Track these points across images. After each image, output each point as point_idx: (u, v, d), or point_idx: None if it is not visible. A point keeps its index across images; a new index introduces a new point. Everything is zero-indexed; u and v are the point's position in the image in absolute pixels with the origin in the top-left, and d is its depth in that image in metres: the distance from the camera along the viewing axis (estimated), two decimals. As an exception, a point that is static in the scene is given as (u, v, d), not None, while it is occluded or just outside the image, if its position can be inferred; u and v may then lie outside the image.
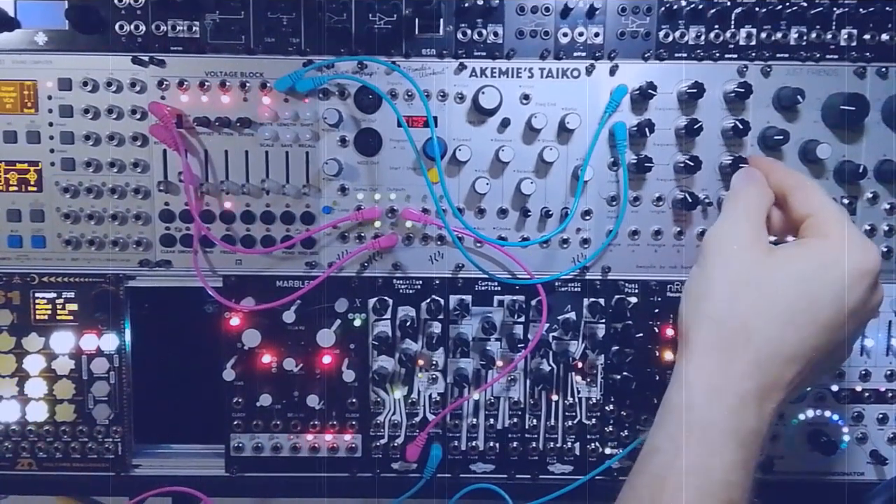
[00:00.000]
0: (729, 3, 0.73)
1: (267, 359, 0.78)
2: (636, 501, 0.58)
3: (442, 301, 0.78)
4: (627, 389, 0.77)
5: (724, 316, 0.59)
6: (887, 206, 0.75)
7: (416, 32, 0.74)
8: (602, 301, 0.78)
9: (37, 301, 0.78)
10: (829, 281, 0.57)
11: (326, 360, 0.78)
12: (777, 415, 0.59)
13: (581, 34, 0.74)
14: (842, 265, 0.58)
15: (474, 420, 0.80)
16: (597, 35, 0.74)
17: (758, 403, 0.56)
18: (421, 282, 0.78)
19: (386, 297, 0.78)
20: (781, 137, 0.72)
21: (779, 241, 0.64)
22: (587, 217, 0.76)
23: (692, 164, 0.73)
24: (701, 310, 0.61)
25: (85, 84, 0.74)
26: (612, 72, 0.74)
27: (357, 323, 0.78)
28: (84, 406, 0.79)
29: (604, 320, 0.78)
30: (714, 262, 0.62)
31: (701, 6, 0.73)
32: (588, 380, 0.79)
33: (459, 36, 0.74)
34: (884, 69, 0.74)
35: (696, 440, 0.56)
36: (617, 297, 0.78)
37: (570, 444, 0.80)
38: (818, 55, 0.74)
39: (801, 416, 0.79)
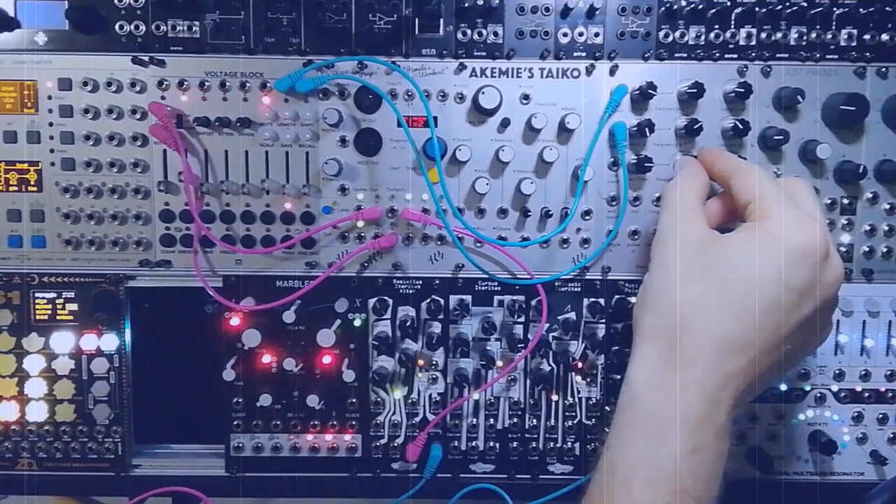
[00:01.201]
0: (729, 3, 0.73)
1: (267, 359, 0.78)
2: (592, 500, 0.58)
3: (442, 301, 0.78)
4: (627, 389, 0.77)
5: (664, 307, 0.60)
6: (887, 206, 0.75)
7: (416, 32, 0.74)
8: (602, 301, 0.78)
9: (37, 301, 0.78)
10: (769, 263, 0.57)
11: (326, 360, 0.78)
12: (739, 404, 0.58)
13: (581, 34, 0.74)
14: (779, 247, 0.57)
15: (474, 420, 0.80)
16: (597, 35, 0.74)
17: (708, 391, 0.56)
18: (421, 282, 0.78)
19: (386, 297, 0.78)
20: (781, 137, 0.72)
21: (728, 229, 0.63)
22: (587, 217, 0.76)
23: (692, 164, 0.73)
24: (645, 305, 0.62)
25: (85, 84, 0.74)
26: (612, 72, 0.74)
27: (357, 323, 0.78)
28: (84, 406, 0.79)
29: (604, 320, 0.78)
30: (656, 261, 0.63)
31: (701, 6, 0.73)
32: (588, 380, 0.79)
33: (459, 36, 0.74)
34: (884, 69, 0.74)
35: (642, 430, 0.56)
36: (617, 297, 0.78)
37: (570, 444, 0.80)
38: (818, 55, 0.74)
39: (801, 416, 0.79)
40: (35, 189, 0.76)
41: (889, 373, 0.78)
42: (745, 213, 0.62)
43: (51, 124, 0.75)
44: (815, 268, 0.57)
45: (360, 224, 0.76)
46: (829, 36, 0.74)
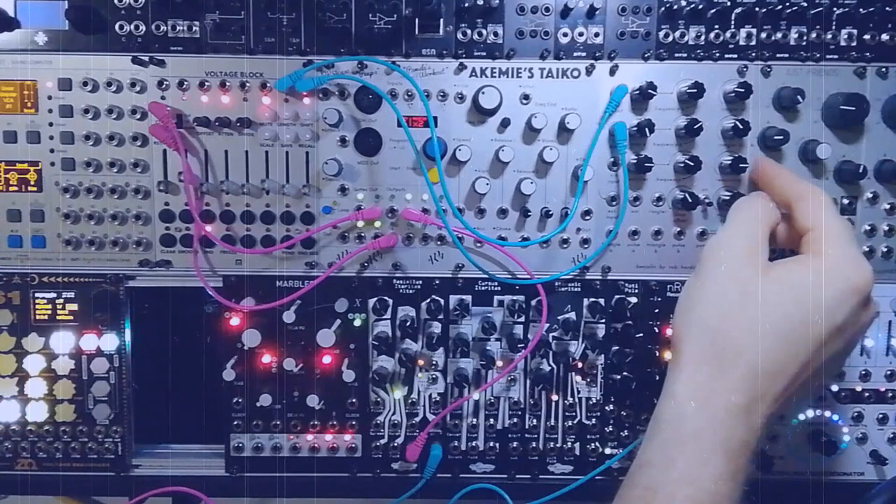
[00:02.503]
0: (729, 3, 0.73)
1: (267, 359, 0.78)
2: None
3: (442, 301, 0.78)
4: (627, 389, 0.77)
5: (715, 329, 0.60)
6: (887, 206, 0.75)
7: (416, 32, 0.74)
8: (602, 301, 0.78)
9: (37, 301, 0.78)
10: (820, 297, 0.58)
11: (326, 360, 0.78)
12: (766, 427, 0.59)
13: (581, 34, 0.74)
14: (834, 282, 0.58)
15: (474, 420, 0.80)
16: (597, 35, 0.74)
17: (747, 416, 0.57)
18: (421, 282, 0.78)
19: (386, 297, 0.78)
20: (781, 137, 0.72)
21: (779, 253, 0.64)
22: (587, 217, 0.76)
23: (692, 164, 0.73)
24: (693, 321, 0.61)
25: (85, 84, 0.74)
26: (612, 72, 0.74)
27: (357, 323, 0.78)
28: (84, 406, 0.79)
29: (604, 320, 0.78)
30: (709, 274, 0.62)
31: (701, 6, 0.73)
32: (588, 380, 0.79)
33: (459, 36, 0.74)
34: (884, 69, 0.74)
35: (686, 451, 0.56)
36: (617, 297, 0.78)
37: (570, 444, 0.80)
38: (818, 55, 0.74)
39: (801, 416, 0.79)
40: (35, 189, 0.76)
41: (889, 373, 0.78)
42: (801, 239, 0.63)
43: (51, 124, 0.75)
44: (860, 307, 0.59)
45: (361, 224, 0.76)
46: (829, 36, 0.74)
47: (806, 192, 0.64)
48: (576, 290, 0.78)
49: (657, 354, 0.78)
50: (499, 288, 0.78)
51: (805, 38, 0.74)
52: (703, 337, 0.60)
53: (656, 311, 0.78)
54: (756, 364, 0.57)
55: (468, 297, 0.78)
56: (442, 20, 0.74)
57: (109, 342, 0.78)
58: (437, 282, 0.78)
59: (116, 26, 0.74)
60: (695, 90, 0.72)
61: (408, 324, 0.76)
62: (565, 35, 0.74)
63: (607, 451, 0.80)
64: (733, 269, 0.61)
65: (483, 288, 0.78)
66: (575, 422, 0.80)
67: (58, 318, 0.78)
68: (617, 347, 0.78)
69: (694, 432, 0.57)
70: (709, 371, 0.58)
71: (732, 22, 0.74)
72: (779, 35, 0.74)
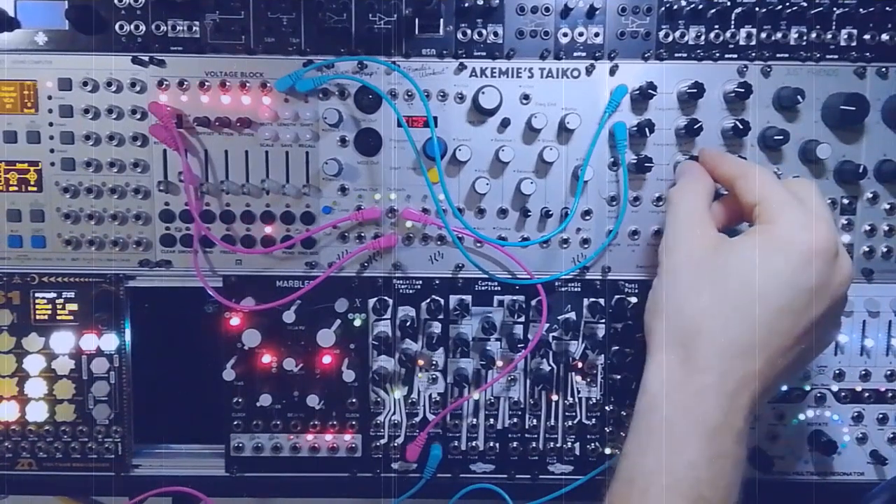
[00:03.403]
0: (729, 3, 0.73)
1: (267, 359, 0.78)
2: None
3: (442, 301, 0.78)
4: (627, 389, 0.77)
5: (676, 314, 0.60)
6: (887, 206, 0.75)
7: (416, 32, 0.74)
8: (602, 301, 0.78)
9: (37, 301, 0.78)
10: (778, 265, 0.57)
11: (326, 360, 0.78)
12: (756, 407, 0.58)
13: (581, 34, 0.74)
14: (791, 248, 0.57)
15: (474, 420, 0.80)
16: (597, 35, 0.74)
17: (725, 397, 0.56)
18: (421, 282, 0.78)
19: (386, 297, 0.78)
20: (781, 137, 0.72)
21: (734, 231, 0.63)
22: (587, 217, 0.76)
23: (692, 164, 0.73)
24: (657, 312, 0.62)
25: (85, 84, 0.74)
26: (612, 72, 0.74)
27: (357, 323, 0.78)
28: (84, 406, 0.79)
29: (604, 320, 0.78)
30: (665, 267, 0.63)
31: (701, 6, 0.73)
32: (588, 380, 0.79)
33: (459, 36, 0.74)
34: (884, 69, 0.74)
35: (658, 440, 0.56)
36: (617, 297, 0.78)
37: (570, 444, 0.80)
38: (818, 55, 0.74)
39: (801, 416, 0.79)
40: (35, 189, 0.76)
41: (889, 373, 0.78)
42: (751, 215, 0.62)
43: (51, 124, 0.75)
44: (825, 268, 0.57)
45: (360, 224, 0.76)
46: (829, 36, 0.74)
47: (746, 169, 0.64)
48: (576, 290, 0.78)
49: (657, 354, 0.78)
50: (499, 288, 0.78)
51: (805, 38, 0.74)
52: (667, 325, 0.60)
53: (656, 311, 0.78)
54: (719, 342, 0.56)
55: (468, 297, 0.78)
56: (442, 20, 0.74)
57: (109, 342, 0.78)
58: (437, 282, 0.78)
59: (116, 26, 0.74)
60: (695, 90, 0.72)
61: (408, 324, 0.76)
62: (565, 35, 0.74)
63: (607, 451, 0.80)
64: (686, 256, 0.61)
65: (483, 288, 0.78)
66: (575, 422, 0.80)
67: (58, 318, 0.78)
68: (617, 347, 0.78)
69: (666, 420, 0.57)
70: (675, 356, 0.58)
71: (732, 22, 0.74)
72: (779, 35, 0.74)
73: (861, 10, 0.73)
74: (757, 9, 0.73)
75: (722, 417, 0.55)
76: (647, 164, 0.73)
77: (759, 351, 0.56)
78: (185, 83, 0.74)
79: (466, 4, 0.73)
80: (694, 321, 0.58)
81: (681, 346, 0.58)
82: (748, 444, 0.58)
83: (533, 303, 0.78)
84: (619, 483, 0.58)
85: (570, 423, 0.80)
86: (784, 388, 0.78)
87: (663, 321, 0.61)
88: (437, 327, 0.78)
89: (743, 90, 0.72)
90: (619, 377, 0.78)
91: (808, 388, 0.78)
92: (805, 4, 0.73)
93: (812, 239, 0.57)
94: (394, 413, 0.80)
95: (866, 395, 0.78)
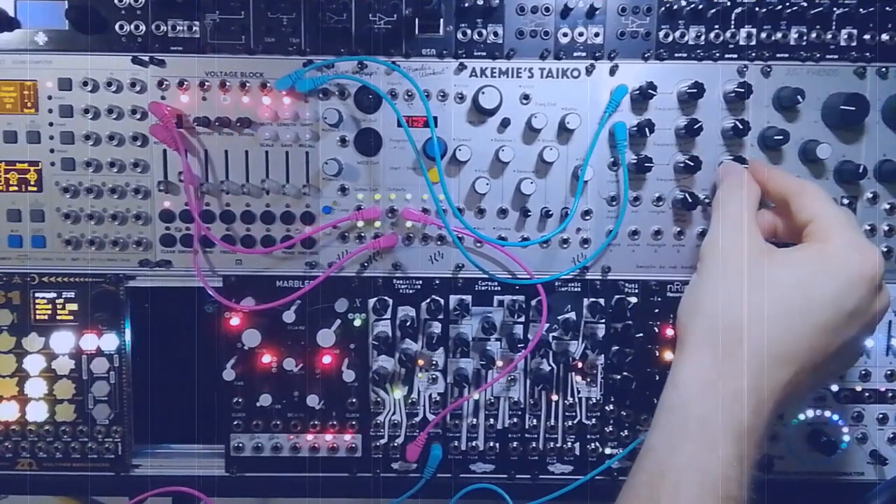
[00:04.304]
0: (729, 3, 0.73)
1: (267, 359, 0.78)
2: (635, 500, 0.58)
3: (442, 301, 0.78)
4: (627, 389, 0.77)
5: (719, 315, 0.60)
6: (887, 207, 0.75)
7: (416, 32, 0.74)
8: (602, 301, 0.78)
9: (37, 301, 0.78)
10: (826, 284, 0.58)
11: (326, 360, 0.78)
12: (777, 415, 0.59)
13: (581, 34, 0.74)
14: (840, 269, 0.58)
15: (474, 420, 0.80)
16: (597, 35, 0.74)
17: (754, 401, 0.57)
18: (421, 282, 0.78)
19: (386, 297, 0.78)
20: (781, 137, 0.72)
21: (776, 244, 0.64)
22: (587, 217, 0.76)
23: (692, 164, 0.73)
24: (697, 311, 0.62)
25: (85, 84, 0.74)
26: (612, 72, 0.74)
27: (357, 323, 0.78)
28: (84, 406, 0.79)
29: (604, 320, 0.78)
30: (710, 267, 0.63)
31: (701, 6, 0.73)
32: (588, 380, 0.79)
33: (459, 36, 0.74)
34: (884, 69, 0.74)
35: (693, 436, 0.57)
36: (617, 297, 0.78)
37: (570, 444, 0.80)
38: (818, 55, 0.74)
39: (801, 416, 0.79)
40: (35, 189, 0.76)
41: (889, 373, 0.78)
42: (803, 232, 0.63)
43: (51, 124, 0.75)
44: (868, 294, 0.58)
45: (360, 224, 0.76)
46: (829, 36, 0.74)
47: (802, 187, 0.65)
48: (576, 290, 0.78)
49: (657, 354, 0.77)
50: (499, 288, 0.78)
51: (805, 38, 0.74)
52: (707, 324, 0.61)
53: (656, 310, 0.78)
54: (760, 348, 0.57)
55: (468, 297, 0.78)
56: (442, 20, 0.74)
57: (109, 342, 0.78)
58: (437, 282, 0.78)
59: (116, 26, 0.74)
60: (695, 90, 0.72)
61: (408, 324, 0.76)
62: (565, 35, 0.74)
63: (607, 451, 0.80)
64: (733, 258, 0.62)
65: (483, 288, 0.78)
66: (575, 422, 0.80)
67: (58, 317, 0.78)
68: (617, 347, 0.78)
69: (700, 417, 0.57)
70: (713, 357, 0.59)
71: (732, 22, 0.74)
72: (779, 35, 0.74)
73: (861, 10, 0.73)
74: (757, 9, 0.73)
75: (752, 421, 0.57)
76: (647, 164, 0.73)
77: (791, 362, 0.57)
78: (185, 83, 0.74)
79: (466, 4, 0.73)
80: (737, 325, 0.58)
81: (721, 348, 0.59)
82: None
83: (533, 303, 0.78)
84: (646, 475, 0.58)
85: (570, 423, 0.79)
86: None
87: (702, 321, 0.61)
88: (437, 327, 0.78)
89: (743, 90, 0.72)
90: (618, 377, 0.78)
91: (813, 391, 0.78)
92: (805, 4, 0.73)
93: (863, 264, 0.58)
94: (394, 413, 0.80)
95: (866, 395, 0.78)
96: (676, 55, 0.74)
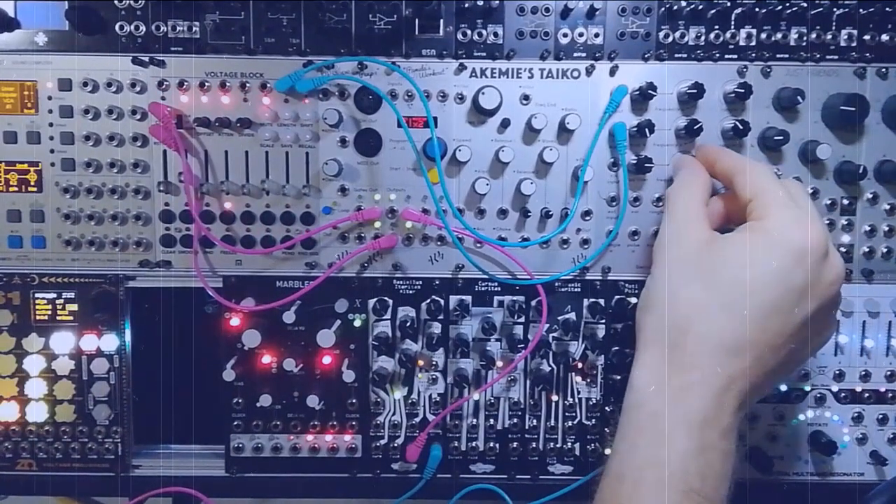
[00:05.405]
0: (729, 4, 0.73)
1: (267, 359, 0.78)
2: (601, 503, 0.58)
3: (442, 301, 0.78)
4: (627, 390, 0.77)
5: (665, 312, 0.60)
6: (887, 207, 0.75)
7: (416, 33, 0.74)
8: (602, 301, 0.78)
9: (37, 301, 0.78)
10: (768, 263, 0.56)
11: (326, 360, 0.78)
12: (747, 404, 0.58)
13: (581, 35, 0.74)
14: (781, 245, 0.56)
15: (474, 420, 0.80)
16: (597, 36, 0.74)
17: (710, 394, 0.56)
18: (421, 282, 0.78)
19: (386, 298, 0.78)
20: (781, 138, 0.72)
21: (732, 229, 0.63)
22: (587, 217, 0.76)
23: (692, 164, 0.73)
24: (648, 309, 0.63)
25: (85, 84, 0.74)
26: (612, 72, 0.74)
27: (357, 323, 0.78)
28: (84, 406, 0.79)
29: (604, 321, 0.78)
30: (657, 264, 0.64)
31: (701, 6, 0.73)
32: (588, 380, 0.79)
33: (459, 36, 0.74)
34: (884, 69, 0.74)
35: (647, 433, 0.57)
36: (617, 297, 0.78)
37: (570, 444, 0.80)
38: (818, 55, 0.74)
39: (801, 417, 0.79)
40: (35, 189, 0.76)
41: (889, 373, 0.78)
42: (746, 211, 0.62)
43: (51, 125, 0.75)
44: (815, 266, 0.57)
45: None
46: (829, 36, 0.74)
47: (743, 165, 0.64)
48: (576, 290, 0.78)
49: (657, 355, 0.77)
50: (499, 288, 0.78)
51: (805, 38, 0.74)
52: (657, 322, 0.61)
53: (656, 311, 0.78)
54: (705, 340, 0.56)
55: (468, 298, 0.78)
56: (442, 20, 0.74)
57: (109, 342, 0.78)
58: (437, 282, 0.78)
59: (116, 27, 0.74)
60: (695, 90, 0.72)
61: (408, 324, 0.76)
62: (565, 35, 0.74)
63: (607, 451, 0.79)
64: (679, 254, 0.61)
65: (483, 288, 0.78)
66: (575, 422, 0.80)
67: (58, 318, 0.78)
68: (617, 348, 0.78)
69: (652, 414, 0.57)
70: (663, 352, 0.59)
71: (732, 22, 0.74)
72: (779, 35, 0.74)
73: (861, 10, 0.73)
74: (757, 9, 0.73)
75: (708, 412, 0.56)
76: (647, 165, 0.73)
77: (748, 349, 0.56)
78: (185, 83, 0.74)
79: (466, 5, 0.73)
80: (682, 318, 0.58)
81: (669, 343, 0.58)
82: (747, 440, 0.58)
83: (533, 303, 0.78)
84: (608, 479, 0.58)
85: (570, 423, 0.80)
86: (783, 387, 0.78)
87: (652, 319, 0.61)
88: (437, 328, 0.78)
89: (743, 90, 0.72)
90: (619, 377, 0.78)
91: (808, 388, 0.78)
92: (805, 5, 0.73)
93: (803, 237, 0.57)
94: (394, 413, 0.80)
95: (866, 395, 0.78)
96: (676, 56, 0.74)
